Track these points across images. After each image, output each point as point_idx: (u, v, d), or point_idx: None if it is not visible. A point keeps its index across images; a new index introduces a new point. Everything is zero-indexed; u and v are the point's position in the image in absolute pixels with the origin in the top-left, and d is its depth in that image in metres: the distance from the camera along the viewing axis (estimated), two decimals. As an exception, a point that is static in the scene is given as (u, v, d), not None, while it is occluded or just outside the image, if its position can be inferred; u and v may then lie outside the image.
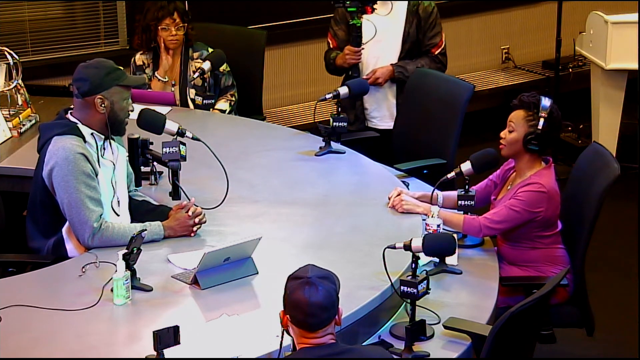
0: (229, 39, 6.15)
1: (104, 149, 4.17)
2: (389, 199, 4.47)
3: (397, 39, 5.69)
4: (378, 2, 5.62)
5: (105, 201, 4.13)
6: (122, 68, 4.18)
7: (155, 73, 5.77)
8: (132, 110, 4.19)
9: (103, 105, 4.08)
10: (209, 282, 3.77)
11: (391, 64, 5.68)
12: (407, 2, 5.67)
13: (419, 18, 5.67)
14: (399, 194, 4.45)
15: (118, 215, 4.18)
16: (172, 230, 4.14)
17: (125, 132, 4.24)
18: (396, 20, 5.68)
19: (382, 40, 5.68)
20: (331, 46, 5.81)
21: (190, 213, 4.15)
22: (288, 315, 3.09)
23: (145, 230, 3.86)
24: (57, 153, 4.04)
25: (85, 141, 4.10)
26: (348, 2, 5.53)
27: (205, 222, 4.19)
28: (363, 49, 5.63)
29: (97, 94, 4.07)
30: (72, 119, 4.13)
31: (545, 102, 4.34)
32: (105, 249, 4.00)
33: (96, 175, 4.09)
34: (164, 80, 5.77)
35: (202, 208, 4.22)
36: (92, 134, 4.13)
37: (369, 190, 4.65)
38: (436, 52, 5.73)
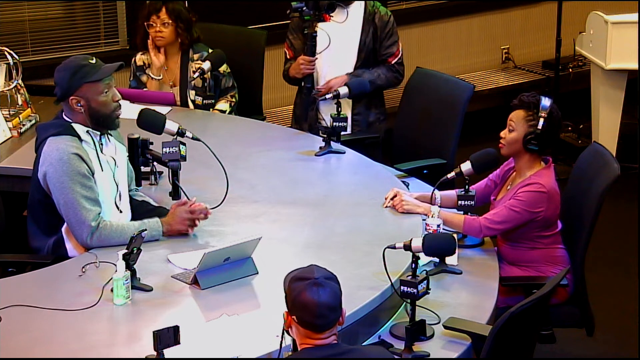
0: (229, 39, 6.15)
1: (102, 144, 4.17)
2: (386, 199, 4.47)
3: (352, 48, 5.58)
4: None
5: (108, 197, 4.14)
6: (92, 62, 4.08)
7: (147, 71, 5.76)
8: (117, 100, 4.11)
9: (80, 104, 4.07)
10: (209, 282, 3.77)
11: (346, 74, 5.56)
12: (363, 10, 5.55)
13: (375, 27, 5.56)
14: (395, 195, 4.45)
15: (121, 211, 4.18)
16: (169, 226, 4.13)
17: (118, 125, 4.19)
18: (352, 29, 5.57)
19: (337, 49, 5.55)
20: (288, 57, 5.68)
21: (187, 208, 4.14)
22: (294, 317, 3.06)
23: (146, 230, 3.85)
24: (52, 154, 4.04)
25: (81, 140, 4.10)
26: (304, 10, 5.40)
27: (203, 217, 4.17)
28: (317, 58, 5.52)
29: (68, 97, 4.06)
30: (67, 118, 4.14)
31: (545, 102, 4.34)
32: (105, 249, 4.00)
33: (92, 175, 4.08)
34: (158, 78, 5.76)
35: (202, 208, 4.25)
36: (87, 131, 4.12)
37: (369, 190, 4.65)
38: (393, 62, 5.61)
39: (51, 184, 4.05)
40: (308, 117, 5.66)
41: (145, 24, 5.72)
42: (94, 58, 4.11)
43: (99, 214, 4.05)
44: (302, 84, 5.61)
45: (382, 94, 5.79)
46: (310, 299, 3.01)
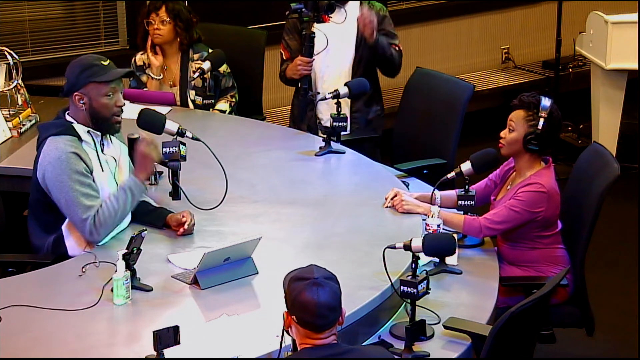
0: (229, 39, 6.15)
1: (103, 144, 4.18)
2: (386, 199, 4.46)
3: (350, 47, 5.56)
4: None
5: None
6: (104, 63, 4.11)
7: (147, 71, 5.77)
8: (120, 106, 4.13)
9: (82, 102, 4.09)
10: (209, 282, 3.77)
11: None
12: (358, 10, 5.49)
13: None
14: (395, 195, 4.45)
15: None
16: (136, 172, 4.19)
17: (117, 130, 4.21)
18: (348, 28, 5.54)
19: (334, 49, 5.53)
20: (284, 57, 5.65)
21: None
22: (294, 317, 3.06)
23: (146, 230, 3.84)
24: (50, 154, 4.06)
25: (81, 140, 4.10)
26: (303, 11, 5.38)
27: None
28: (314, 59, 5.49)
29: (73, 92, 4.09)
30: (68, 118, 4.15)
31: (545, 102, 4.34)
32: (105, 249, 4.00)
33: (91, 173, 4.09)
34: (158, 78, 5.76)
35: (201, 208, 4.24)
36: (88, 131, 4.13)
37: (369, 190, 4.65)
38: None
39: (50, 183, 4.06)
40: (306, 118, 5.65)
41: (144, 21, 5.73)
42: (107, 60, 4.14)
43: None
44: (299, 85, 5.60)
45: (380, 89, 5.76)
46: (310, 298, 3.01)
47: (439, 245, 3.76)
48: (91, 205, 4.04)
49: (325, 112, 5.56)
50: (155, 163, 4.54)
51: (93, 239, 4.06)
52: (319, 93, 5.57)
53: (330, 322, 3.05)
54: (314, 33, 5.45)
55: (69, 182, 4.03)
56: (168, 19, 5.70)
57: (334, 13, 5.45)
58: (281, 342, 3.21)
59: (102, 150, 4.17)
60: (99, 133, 4.16)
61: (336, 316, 3.06)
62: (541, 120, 4.31)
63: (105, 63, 4.11)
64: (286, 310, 3.10)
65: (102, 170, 4.14)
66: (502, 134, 4.41)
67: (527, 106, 4.36)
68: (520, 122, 4.35)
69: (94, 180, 4.10)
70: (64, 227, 4.14)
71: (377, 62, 5.60)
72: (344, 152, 5.06)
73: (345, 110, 5.41)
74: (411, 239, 3.68)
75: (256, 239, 3.86)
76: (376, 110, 5.70)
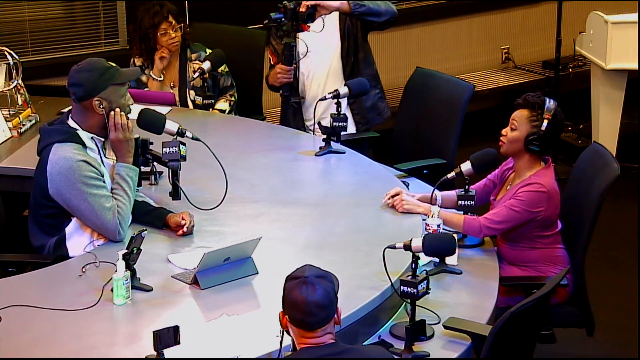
0: (229, 39, 6.15)
1: (105, 148, 4.19)
2: (387, 196, 4.45)
3: (333, 51, 5.54)
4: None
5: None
6: (114, 65, 4.15)
7: (150, 73, 5.76)
8: (131, 104, 4.20)
9: (101, 106, 4.09)
10: (209, 282, 3.77)
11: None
12: (337, 13, 5.49)
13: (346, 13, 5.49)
14: (397, 194, 4.44)
15: None
16: (117, 153, 4.17)
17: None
18: (330, 33, 5.52)
19: (317, 55, 5.52)
20: (272, 62, 5.64)
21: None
22: (287, 316, 3.09)
23: (146, 230, 3.83)
24: (59, 163, 4.04)
25: (85, 146, 4.11)
26: (283, 21, 5.35)
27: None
28: (294, 67, 5.47)
29: (93, 97, 4.08)
30: (72, 124, 4.14)
31: (550, 104, 4.33)
32: (105, 249, 4.01)
33: (102, 176, 4.10)
34: (159, 79, 5.76)
35: (201, 208, 4.25)
36: (92, 137, 4.14)
37: (369, 190, 4.65)
38: None
39: (66, 194, 4.05)
40: (293, 121, 5.63)
41: (155, 33, 5.67)
42: (110, 62, 4.17)
43: None
44: (280, 92, 5.58)
45: (377, 73, 5.70)
46: (299, 297, 3.04)
47: (439, 245, 3.76)
48: (111, 206, 4.07)
49: (319, 114, 5.48)
50: (156, 163, 4.57)
51: (121, 237, 4.08)
52: (303, 98, 5.57)
53: (322, 320, 3.06)
54: (293, 42, 5.43)
55: (86, 189, 4.04)
56: (178, 25, 5.70)
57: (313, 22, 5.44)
58: (281, 342, 3.22)
59: (105, 154, 4.19)
60: (102, 139, 4.17)
61: (327, 314, 3.07)
62: (545, 122, 4.31)
63: (114, 65, 4.15)
64: (282, 310, 3.12)
65: (106, 174, 4.15)
66: (503, 131, 4.41)
67: (531, 106, 4.35)
68: (524, 122, 4.35)
69: (104, 182, 4.12)
70: (67, 230, 4.14)
71: (365, 25, 5.54)
72: (344, 152, 5.06)
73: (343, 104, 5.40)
74: (411, 239, 3.68)
75: (256, 239, 3.86)
76: (375, 94, 5.67)
